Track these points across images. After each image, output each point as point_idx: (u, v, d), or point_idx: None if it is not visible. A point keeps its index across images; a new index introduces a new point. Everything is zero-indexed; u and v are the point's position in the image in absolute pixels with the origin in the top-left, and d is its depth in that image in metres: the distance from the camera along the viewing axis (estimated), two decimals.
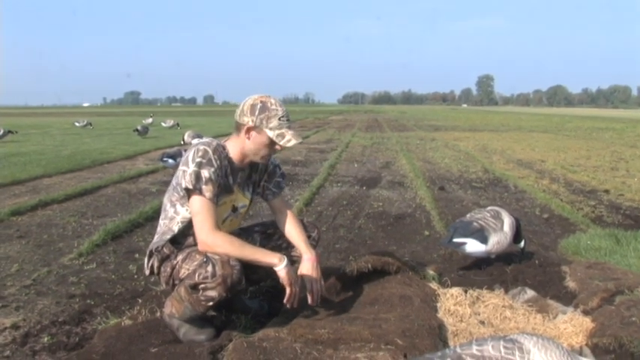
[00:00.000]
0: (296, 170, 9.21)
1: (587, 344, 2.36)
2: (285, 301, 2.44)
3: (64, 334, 2.65)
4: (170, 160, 7.82)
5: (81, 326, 2.75)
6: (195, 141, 2.59)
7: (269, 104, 2.42)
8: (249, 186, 2.65)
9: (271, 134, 2.41)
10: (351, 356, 2.14)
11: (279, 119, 2.41)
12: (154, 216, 5.11)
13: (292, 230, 2.66)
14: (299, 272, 2.53)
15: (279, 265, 2.38)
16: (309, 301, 2.52)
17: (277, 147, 2.46)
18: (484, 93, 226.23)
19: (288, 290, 2.41)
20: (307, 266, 2.55)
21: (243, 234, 2.72)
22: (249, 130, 2.43)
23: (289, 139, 2.42)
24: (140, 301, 2.92)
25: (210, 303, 2.31)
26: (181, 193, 2.42)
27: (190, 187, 2.33)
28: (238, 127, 2.47)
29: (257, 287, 3.05)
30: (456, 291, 2.97)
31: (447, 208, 5.91)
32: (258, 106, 2.41)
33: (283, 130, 2.42)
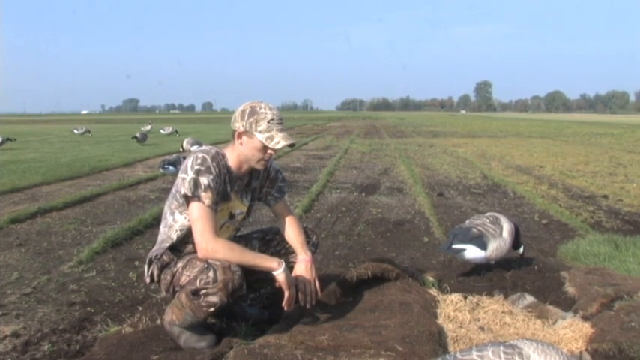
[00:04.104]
0: (295, 177, 9.22)
1: (586, 349, 2.37)
2: (283, 304, 2.46)
3: (64, 341, 2.65)
4: (171, 168, 7.83)
5: (81, 334, 2.75)
6: (194, 148, 2.60)
7: (258, 108, 2.44)
8: (247, 193, 2.66)
9: (261, 137, 2.42)
10: None
11: (268, 122, 2.41)
12: (154, 223, 5.12)
13: (291, 232, 2.69)
14: (293, 273, 2.55)
15: (278, 270, 2.40)
16: (301, 301, 2.53)
17: (270, 151, 2.47)
18: (482, 99, 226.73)
19: (286, 294, 2.44)
20: (301, 267, 2.59)
21: (242, 240, 2.74)
22: (240, 135, 2.46)
23: (278, 141, 2.42)
24: (140, 308, 2.92)
25: (212, 309, 2.32)
26: (180, 201, 2.44)
27: (189, 194, 2.35)
28: (232, 134, 2.49)
29: (257, 294, 3.06)
30: (455, 297, 2.99)
31: (446, 215, 5.92)
32: (248, 111, 2.44)
33: (272, 133, 2.42)
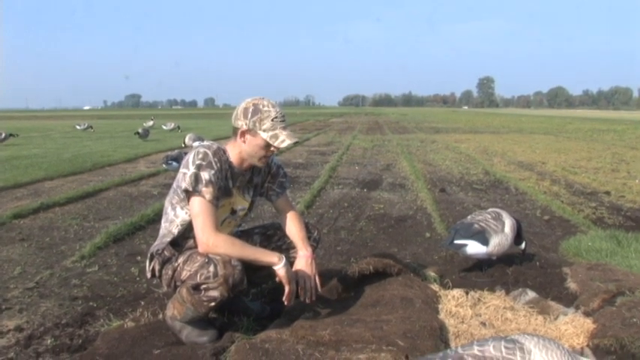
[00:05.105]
0: (297, 173, 9.22)
1: (588, 345, 2.37)
2: (284, 298, 2.47)
3: (67, 336, 2.66)
4: (174, 163, 7.85)
5: (84, 328, 2.76)
6: (196, 144, 2.61)
7: (261, 106, 2.42)
8: (249, 189, 2.66)
9: (265, 136, 2.41)
10: (352, 357, 2.15)
11: (272, 120, 2.41)
12: (156, 218, 5.13)
13: (292, 227, 2.69)
14: (293, 268, 2.55)
15: (279, 264, 2.40)
16: (300, 297, 2.53)
17: (272, 148, 2.47)
18: (485, 95, 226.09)
19: (286, 288, 2.44)
20: (301, 262, 2.59)
21: (244, 235, 2.74)
22: (243, 133, 2.45)
23: (283, 140, 2.41)
24: (142, 303, 2.93)
25: (213, 303, 2.32)
26: (181, 196, 2.44)
27: (190, 188, 2.35)
28: (234, 131, 2.49)
29: (259, 289, 3.06)
30: (457, 292, 2.99)
31: (448, 210, 5.92)
32: (251, 109, 2.42)
33: (277, 131, 2.42)
